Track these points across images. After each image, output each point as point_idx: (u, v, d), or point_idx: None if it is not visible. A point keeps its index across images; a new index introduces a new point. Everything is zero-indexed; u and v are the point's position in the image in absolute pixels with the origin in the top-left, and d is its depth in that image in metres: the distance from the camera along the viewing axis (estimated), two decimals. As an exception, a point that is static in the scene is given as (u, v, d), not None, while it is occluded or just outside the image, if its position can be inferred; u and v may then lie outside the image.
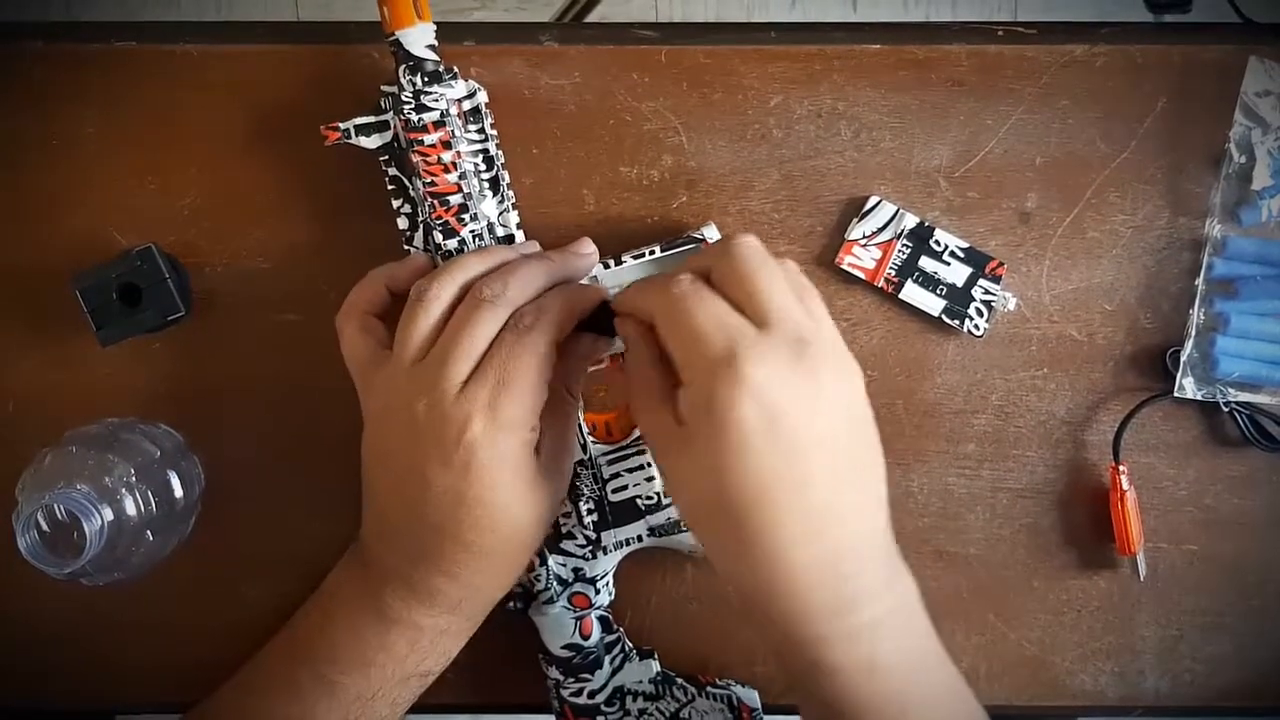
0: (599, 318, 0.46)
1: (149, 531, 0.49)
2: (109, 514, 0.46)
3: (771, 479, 0.38)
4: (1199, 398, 0.53)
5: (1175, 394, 0.53)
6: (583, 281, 0.48)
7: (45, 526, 0.46)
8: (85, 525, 0.45)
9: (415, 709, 0.55)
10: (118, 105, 0.53)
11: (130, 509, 0.48)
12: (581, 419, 0.50)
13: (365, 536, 0.47)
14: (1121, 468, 0.54)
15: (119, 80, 0.53)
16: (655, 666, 0.53)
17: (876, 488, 0.41)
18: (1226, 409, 0.54)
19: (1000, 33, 0.53)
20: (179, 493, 0.51)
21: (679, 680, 0.53)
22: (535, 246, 0.49)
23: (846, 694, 0.40)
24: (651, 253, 0.48)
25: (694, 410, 0.39)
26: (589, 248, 0.48)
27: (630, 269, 0.49)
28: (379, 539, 0.46)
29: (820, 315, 0.41)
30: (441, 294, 0.44)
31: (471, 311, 0.43)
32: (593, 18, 1.07)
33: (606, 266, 0.48)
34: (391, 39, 0.46)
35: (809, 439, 0.38)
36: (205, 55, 0.53)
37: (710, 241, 0.50)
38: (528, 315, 0.43)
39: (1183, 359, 0.53)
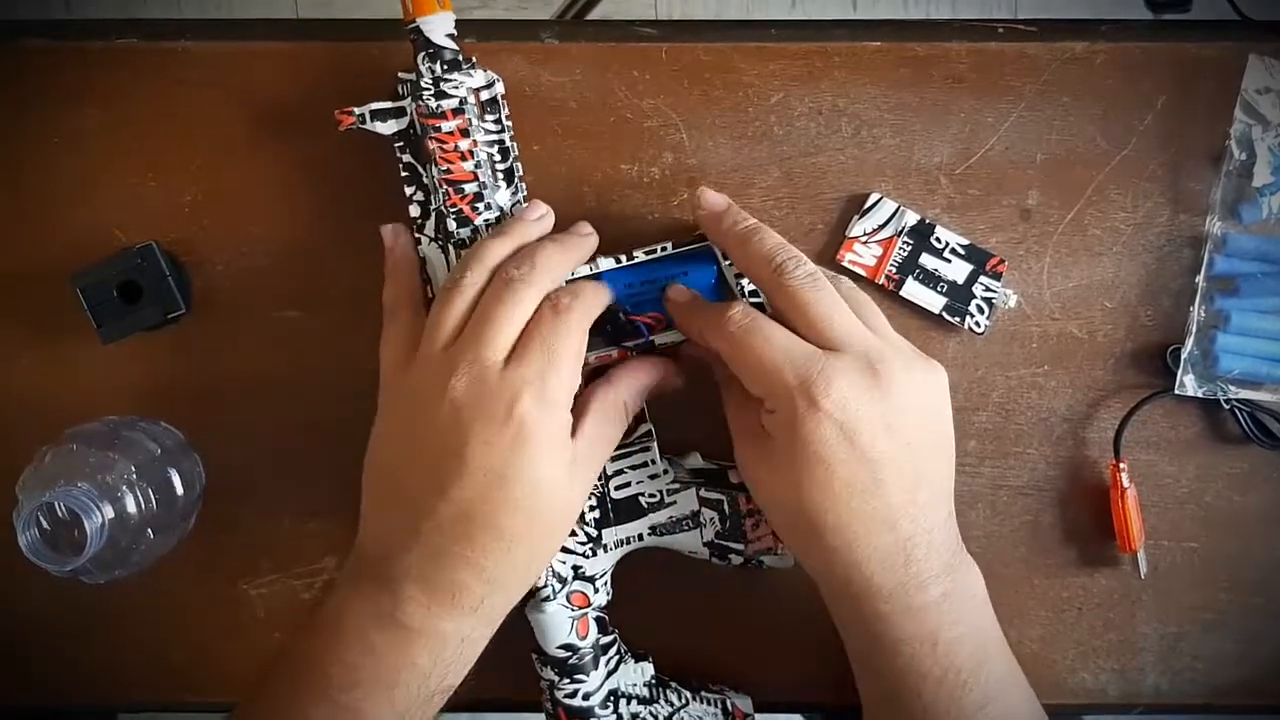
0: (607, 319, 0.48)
1: (150, 529, 0.49)
2: (110, 512, 0.46)
3: (845, 488, 0.42)
4: (1200, 395, 0.53)
5: (1176, 391, 0.53)
6: (588, 266, 0.49)
7: (46, 524, 0.46)
8: (86, 523, 0.45)
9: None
10: (118, 103, 0.53)
11: (131, 507, 0.48)
12: None
13: (370, 550, 0.45)
14: (1122, 465, 0.54)
15: (120, 78, 0.53)
16: (650, 670, 0.53)
17: (944, 485, 0.45)
18: (1227, 406, 0.54)
19: (1000, 30, 0.54)
20: (180, 490, 0.51)
21: (673, 684, 0.53)
22: (542, 209, 0.49)
23: (912, 665, 0.43)
24: (664, 249, 0.48)
25: (778, 430, 0.43)
26: (588, 229, 0.49)
27: (643, 266, 0.49)
28: (392, 544, 0.44)
29: (883, 328, 0.45)
30: (476, 279, 0.45)
31: (504, 289, 0.44)
32: (593, 15, 1.07)
33: (619, 262, 0.48)
34: (412, 26, 0.47)
35: (883, 450, 0.42)
36: (206, 53, 0.53)
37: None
38: (565, 296, 0.44)
39: (1183, 356, 0.53)
